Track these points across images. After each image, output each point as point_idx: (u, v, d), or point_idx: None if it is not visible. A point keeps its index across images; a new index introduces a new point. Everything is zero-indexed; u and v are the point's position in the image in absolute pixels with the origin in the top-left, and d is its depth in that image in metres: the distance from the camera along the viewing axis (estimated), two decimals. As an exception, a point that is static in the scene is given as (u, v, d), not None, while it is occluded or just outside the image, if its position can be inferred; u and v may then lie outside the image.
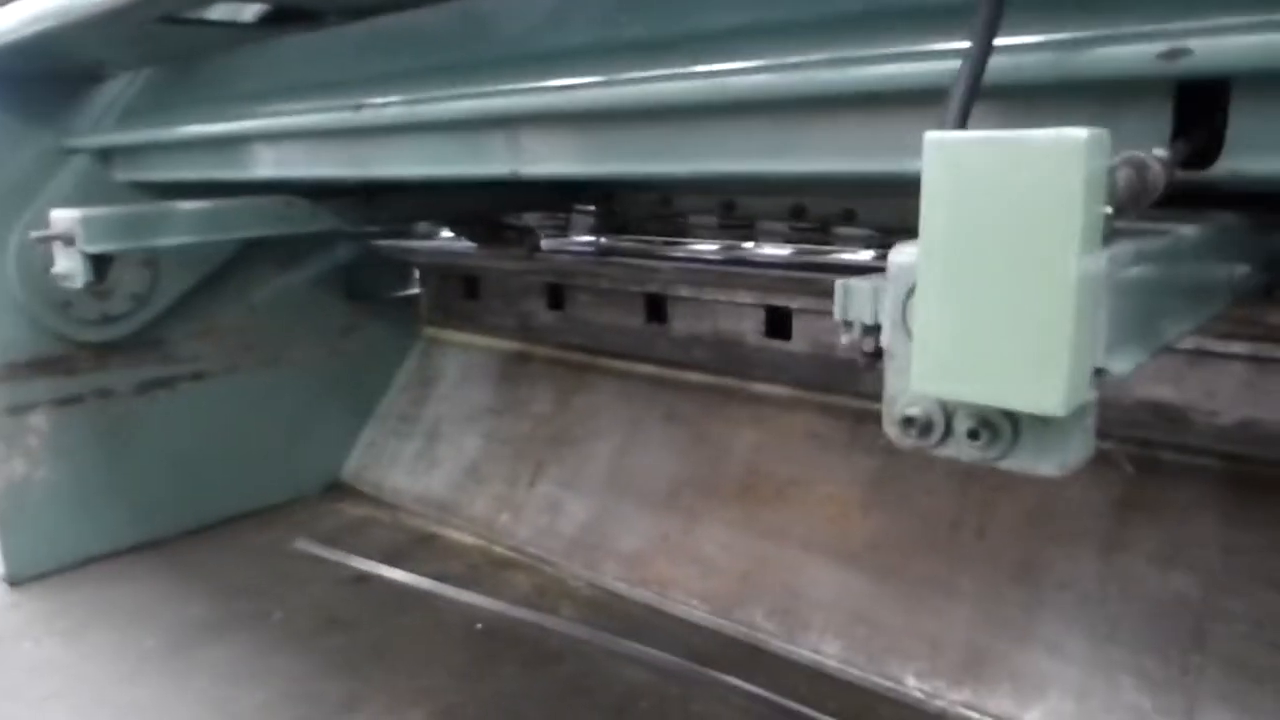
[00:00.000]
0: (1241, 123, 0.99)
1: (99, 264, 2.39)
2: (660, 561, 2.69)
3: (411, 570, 2.88)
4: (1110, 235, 0.69)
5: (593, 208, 3.42)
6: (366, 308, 3.67)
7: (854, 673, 2.23)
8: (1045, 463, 0.68)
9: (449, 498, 3.30)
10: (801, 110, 1.37)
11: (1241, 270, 1.20)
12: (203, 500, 3.25)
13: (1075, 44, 0.99)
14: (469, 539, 3.12)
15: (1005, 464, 0.69)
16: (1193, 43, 0.92)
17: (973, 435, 0.68)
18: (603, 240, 3.34)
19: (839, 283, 0.76)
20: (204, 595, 2.79)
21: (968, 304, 0.63)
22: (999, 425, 0.68)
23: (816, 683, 2.23)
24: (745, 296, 2.80)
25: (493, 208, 3.12)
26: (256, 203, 2.64)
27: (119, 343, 2.99)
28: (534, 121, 1.74)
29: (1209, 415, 2.08)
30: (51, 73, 2.74)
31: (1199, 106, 1.02)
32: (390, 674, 2.36)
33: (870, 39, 1.27)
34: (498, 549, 3.03)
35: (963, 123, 0.81)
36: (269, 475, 3.43)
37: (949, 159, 0.63)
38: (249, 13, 2.17)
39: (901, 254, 0.69)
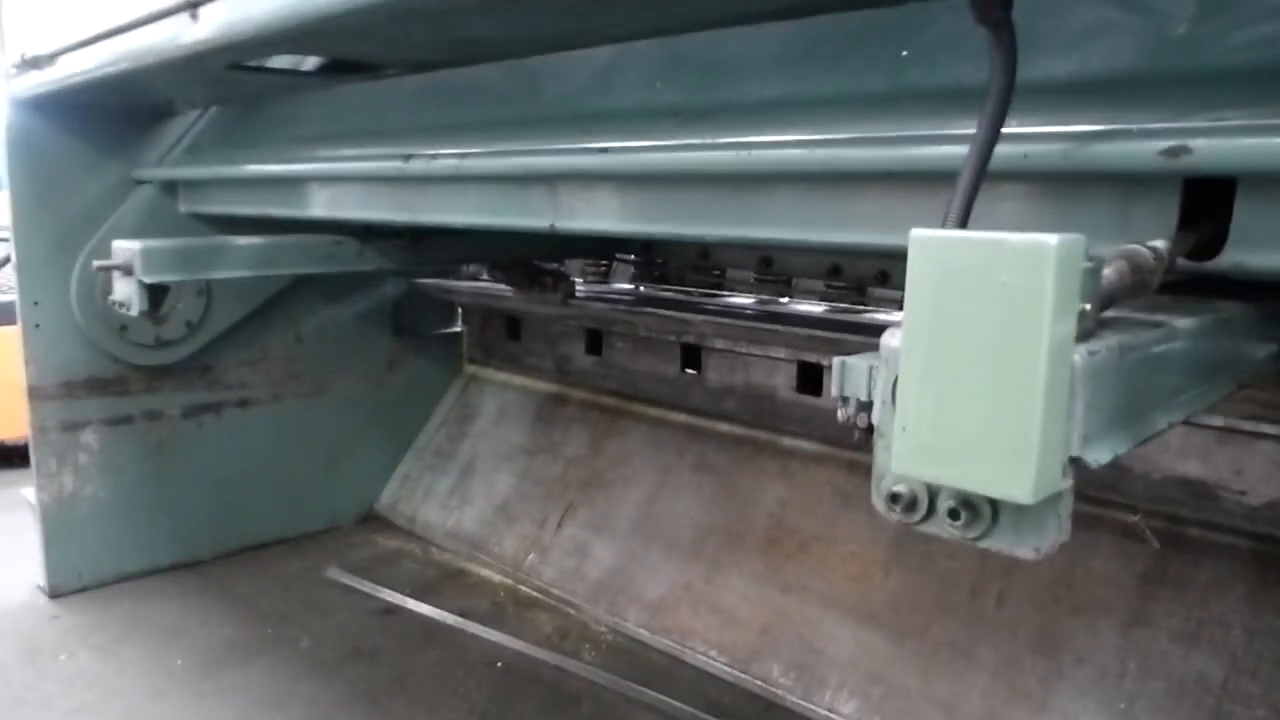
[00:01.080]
0: (1245, 217, 1.02)
1: (155, 293, 2.50)
2: (682, 610, 2.70)
3: (438, 605, 2.93)
4: (1092, 330, 0.72)
5: (633, 257, 3.49)
6: (410, 343, 3.76)
7: (869, 735, 2.23)
8: (1021, 546, 0.71)
9: (479, 535, 3.35)
10: (827, 184, 1.43)
11: (1253, 356, 1.22)
12: (241, 524, 3.34)
13: (1085, 137, 1.03)
14: (496, 577, 3.16)
15: (984, 544, 0.73)
16: (1195, 142, 0.95)
17: (953, 515, 0.72)
18: (642, 289, 3.41)
19: (836, 360, 0.80)
20: (235, 618, 2.86)
21: (946, 392, 0.67)
22: (979, 507, 0.71)
23: (831, 742, 2.23)
24: (779, 351, 2.83)
25: (536, 254, 3.21)
26: (307, 241, 2.75)
27: (170, 367, 3.11)
28: (573, 180, 1.81)
29: (1237, 494, 2.07)
30: (125, 107, 2.88)
31: (1206, 200, 1.05)
32: (410, 707, 2.39)
33: (894, 119, 1.32)
34: (523, 588, 3.07)
35: (963, 221, 0.85)
36: (307, 503, 3.51)
37: (932, 256, 0.67)
38: (309, 63, 2.27)
39: (894, 337, 0.73)
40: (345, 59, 2.18)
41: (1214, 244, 1.06)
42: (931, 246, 0.67)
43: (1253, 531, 2.03)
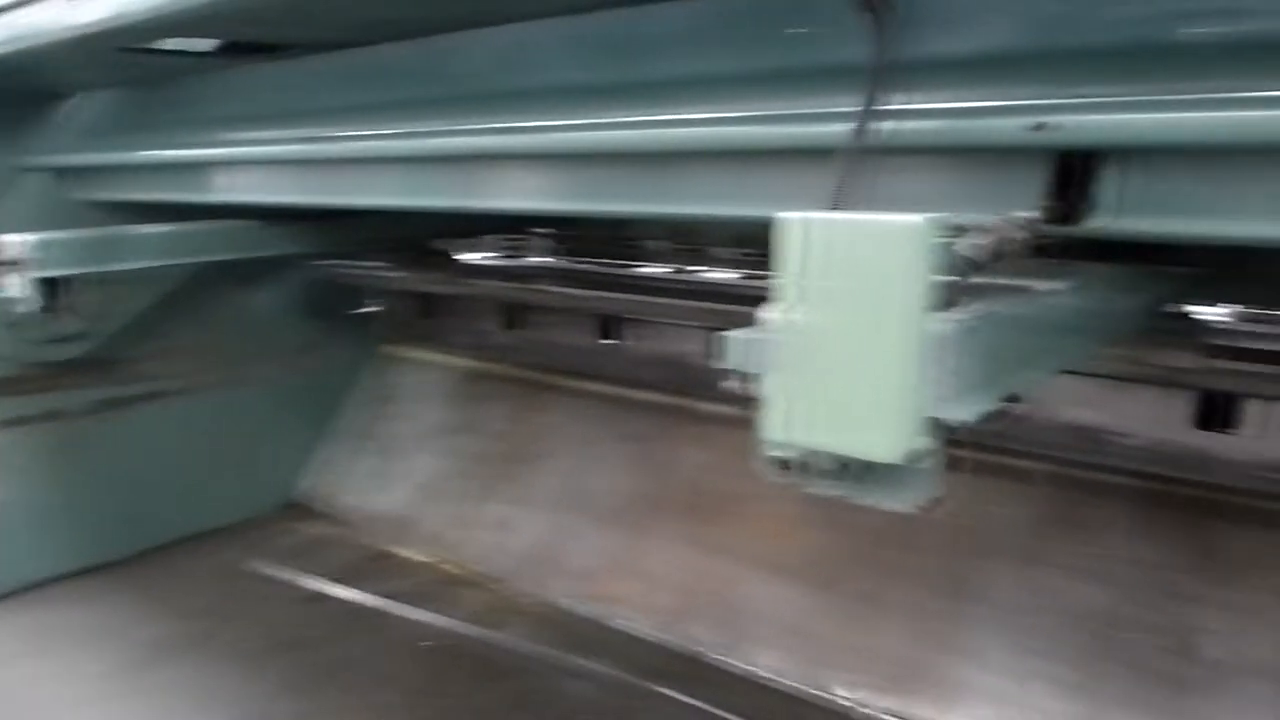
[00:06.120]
0: (1108, 185, 1.10)
1: (51, 288, 2.42)
2: (608, 578, 2.76)
3: (363, 589, 2.93)
4: (956, 299, 0.78)
5: (549, 230, 3.51)
6: (324, 326, 3.71)
7: (788, 683, 2.32)
8: (895, 500, 0.77)
9: (402, 516, 3.35)
10: (733, 160, 1.47)
11: (1124, 313, 1.31)
12: (158, 520, 3.26)
13: (962, 113, 1.09)
14: (421, 557, 3.17)
15: (861, 501, 0.78)
16: (1059, 118, 1.02)
17: (832, 475, 0.77)
18: (558, 262, 3.43)
19: (722, 335, 0.84)
20: (157, 617, 2.81)
21: (818, 363, 0.72)
22: (854, 467, 0.77)
23: (753, 694, 2.32)
24: (692, 319, 2.88)
25: (450, 232, 3.20)
26: (213, 227, 2.69)
27: (70, 363, 3.00)
28: (486, 159, 1.83)
29: (1120, 437, 2.20)
30: (8, 92, 2.75)
31: (1076, 170, 1.13)
32: (341, 693, 2.40)
33: (790, 97, 1.36)
34: (449, 567, 3.09)
35: (844, 198, 0.90)
36: (225, 495, 3.45)
37: (798, 236, 0.72)
38: (208, 43, 2.22)
39: (771, 311, 0.78)
40: (244, 41, 2.15)
41: (1081, 211, 1.13)
42: (798, 228, 0.72)
43: (1134, 470, 2.16)
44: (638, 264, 3.26)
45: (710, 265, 2.99)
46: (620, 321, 3.12)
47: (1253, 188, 1.04)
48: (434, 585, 2.98)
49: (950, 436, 0.75)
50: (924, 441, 0.73)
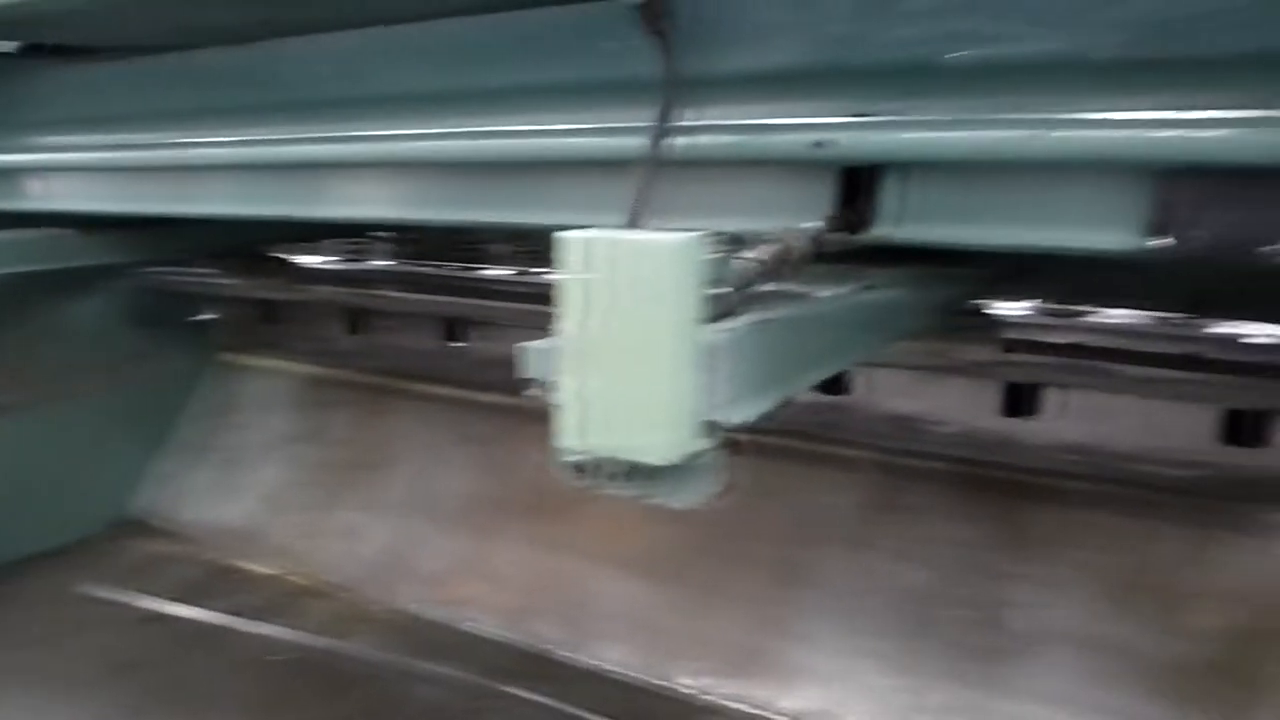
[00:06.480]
0: (889, 196, 1.20)
1: None
2: (455, 581, 2.76)
3: (205, 606, 2.83)
4: (732, 308, 0.84)
5: (389, 234, 3.47)
6: (156, 336, 3.55)
7: (634, 675, 2.38)
8: (680, 499, 0.82)
9: (246, 528, 3.25)
10: (558, 170, 1.51)
11: (913, 312, 1.42)
12: (-28, 547, 3.07)
13: (748, 129, 1.16)
14: (268, 569, 3.09)
15: (651, 501, 0.83)
16: (837, 135, 1.10)
17: (622, 478, 0.82)
18: (399, 265, 3.39)
19: (519, 345, 0.88)
20: (-26, 649, 2.65)
21: (601, 372, 0.77)
22: (642, 469, 0.82)
23: (600, 688, 2.36)
24: (531, 320, 2.91)
25: (285, 237, 3.12)
26: (24, 236, 2.53)
27: None
28: (316, 168, 1.81)
29: (935, 424, 2.36)
30: None
31: (862, 181, 1.22)
32: (179, 716, 2.32)
33: (612, 109, 1.40)
34: (295, 578, 3.01)
35: (639, 212, 0.95)
36: (49, 516, 3.25)
37: (583, 252, 0.76)
38: (9, 44, 2.11)
39: (562, 322, 0.82)
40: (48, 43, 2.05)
41: (870, 219, 1.23)
42: (581, 244, 0.77)
43: (950, 456, 2.32)
44: (481, 266, 3.26)
45: (551, 266, 3.02)
46: (463, 325, 3.11)
47: (1014, 198, 1.15)
48: (281, 598, 2.91)
49: (728, 436, 0.81)
50: (702, 444, 0.79)
